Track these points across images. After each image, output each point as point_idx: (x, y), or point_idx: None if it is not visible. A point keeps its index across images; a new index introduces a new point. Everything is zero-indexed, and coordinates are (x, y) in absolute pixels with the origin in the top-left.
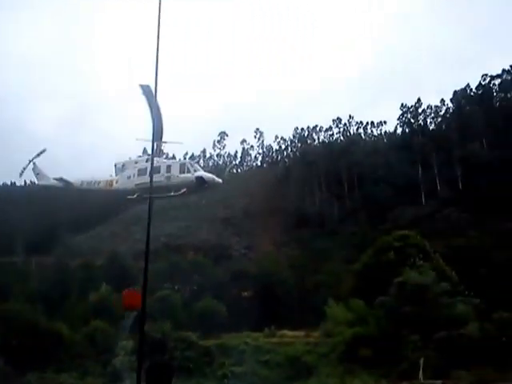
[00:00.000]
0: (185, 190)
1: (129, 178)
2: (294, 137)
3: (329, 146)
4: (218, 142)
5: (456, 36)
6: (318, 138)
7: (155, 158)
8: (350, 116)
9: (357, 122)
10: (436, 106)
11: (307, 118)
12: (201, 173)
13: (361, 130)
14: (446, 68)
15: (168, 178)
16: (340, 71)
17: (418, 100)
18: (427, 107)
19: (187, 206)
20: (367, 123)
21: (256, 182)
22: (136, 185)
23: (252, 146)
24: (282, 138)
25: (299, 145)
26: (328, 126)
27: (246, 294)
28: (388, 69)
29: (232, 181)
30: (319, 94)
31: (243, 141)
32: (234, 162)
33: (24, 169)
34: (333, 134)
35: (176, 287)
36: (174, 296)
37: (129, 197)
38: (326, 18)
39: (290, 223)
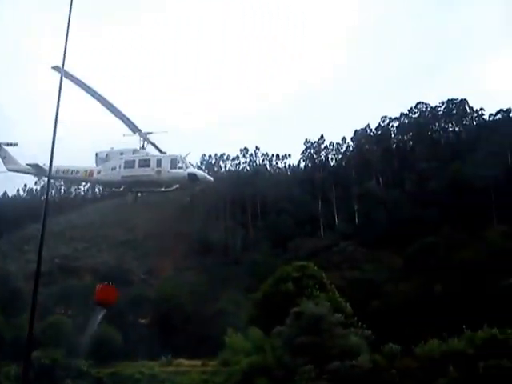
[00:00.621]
0: (177, 185)
1: (113, 169)
2: (201, 163)
3: (235, 175)
4: None
5: (359, 78)
6: (225, 167)
7: (144, 151)
8: (256, 147)
9: (263, 154)
10: (338, 144)
11: (215, 145)
12: (193, 169)
13: (266, 162)
14: (349, 107)
15: (158, 172)
16: (249, 104)
17: (321, 136)
18: (329, 144)
19: (86, 226)
20: (272, 155)
21: (161, 206)
22: (122, 177)
23: None
24: (189, 162)
25: (206, 171)
26: (235, 155)
27: (143, 320)
28: (295, 105)
29: (136, 203)
30: (228, 123)
31: None
32: None
33: None
34: (239, 163)
35: (69, 312)
36: (66, 321)
37: (114, 189)
38: (236, 57)
39: (194, 249)
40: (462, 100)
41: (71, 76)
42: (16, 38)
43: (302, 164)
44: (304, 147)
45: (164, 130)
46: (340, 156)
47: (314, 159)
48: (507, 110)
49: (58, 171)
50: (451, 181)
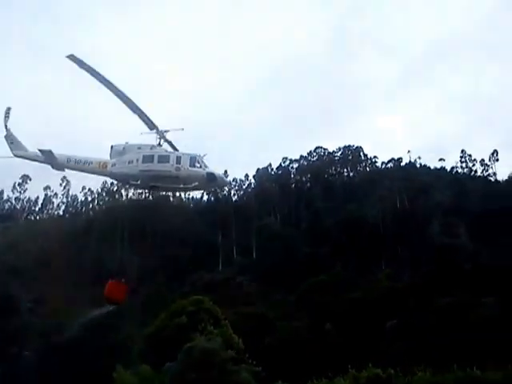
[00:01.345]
0: (197, 183)
1: (130, 162)
2: (101, 190)
3: (136, 203)
4: (19, 184)
5: (262, 120)
6: (127, 195)
7: (163, 147)
8: None
9: None
10: (241, 180)
11: None
12: (212, 169)
13: (170, 193)
14: (253, 147)
15: (177, 168)
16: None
17: (225, 172)
18: (233, 180)
19: None
20: None
21: (55, 232)
22: (140, 171)
23: (56, 194)
24: (89, 189)
25: (106, 198)
26: None
27: (27, 353)
28: (199, 138)
29: (28, 227)
30: None
31: (47, 187)
32: (33, 208)
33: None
34: (142, 191)
35: None
36: None
37: (132, 182)
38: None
39: (86, 278)
40: (357, 147)
41: (87, 66)
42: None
43: (205, 197)
44: None
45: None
46: (242, 192)
47: (217, 193)
48: (398, 159)
49: (69, 160)
50: (345, 221)
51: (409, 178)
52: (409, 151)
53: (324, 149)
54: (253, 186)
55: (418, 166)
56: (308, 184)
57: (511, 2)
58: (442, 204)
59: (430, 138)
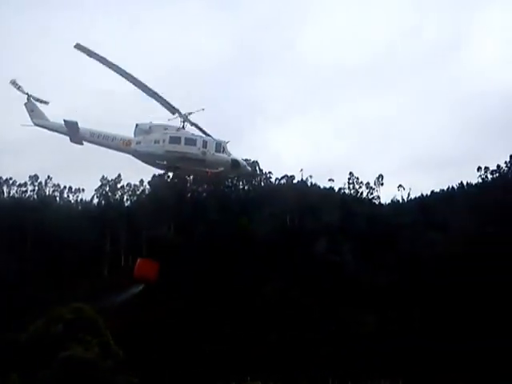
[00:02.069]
0: (222, 168)
1: (157, 142)
2: None
3: (20, 203)
4: None
5: None
6: (9, 192)
7: (190, 131)
8: (48, 176)
9: (54, 184)
10: (135, 185)
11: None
12: (236, 156)
13: (57, 193)
14: None
15: (203, 153)
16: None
17: (119, 176)
18: (127, 184)
19: None
20: (64, 187)
21: None
22: (167, 151)
23: None
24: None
25: None
26: (23, 182)
27: None
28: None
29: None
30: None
31: None
32: None
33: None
34: (27, 190)
35: None
36: None
37: (158, 161)
38: None
39: None
40: (253, 161)
41: (95, 54)
42: None
43: (96, 200)
44: (99, 183)
45: None
46: (135, 198)
47: (109, 197)
48: (291, 176)
49: (92, 134)
50: (238, 233)
51: (300, 196)
52: (301, 170)
53: None
54: (147, 192)
55: (309, 184)
56: (204, 194)
57: (405, 37)
58: (330, 223)
59: (323, 158)
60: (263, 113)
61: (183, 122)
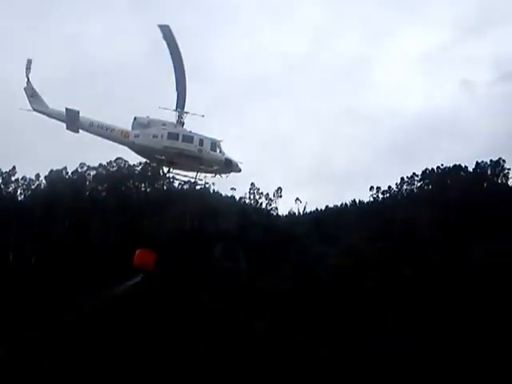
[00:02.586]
0: (217, 167)
1: (155, 137)
2: None
3: None
4: None
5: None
6: None
7: (186, 128)
8: None
9: None
10: (30, 179)
11: None
12: (229, 156)
13: None
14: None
15: (200, 150)
16: None
17: (14, 168)
18: (21, 178)
19: None
20: None
21: None
22: (165, 147)
23: None
24: None
25: None
26: None
27: None
28: None
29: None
30: None
31: None
32: None
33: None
34: None
35: None
36: None
37: (156, 156)
38: None
39: None
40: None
41: (172, 39)
42: None
43: None
44: None
45: None
46: (30, 192)
47: (1, 190)
48: (194, 182)
49: (91, 124)
50: (139, 235)
51: (201, 202)
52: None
53: (125, 161)
54: (43, 187)
55: (212, 191)
56: (104, 193)
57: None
58: (228, 230)
59: None
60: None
61: (179, 117)
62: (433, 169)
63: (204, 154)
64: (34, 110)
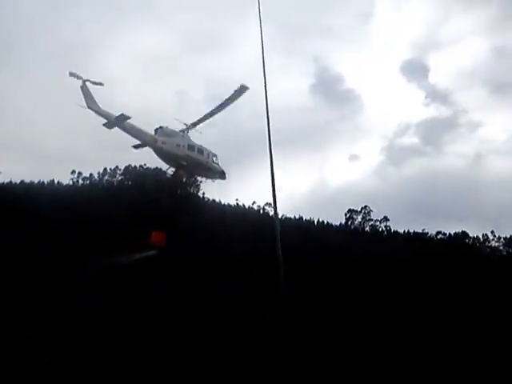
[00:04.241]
0: (217, 176)
1: (178, 146)
2: None
3: None
4: None
5: None
6: None
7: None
8: None
9: None
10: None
11: None
12: (222, 167)
13: None
14: None
15: (207, 162)
16: None
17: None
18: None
19: None
20: None
21: None
22: (186, 155)
23: None
24: None
25: None
26: None
27: None
28: None
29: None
30: None
31: None
32: None
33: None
34: None
35: None
36: None
37: (181, 162)
38: None
39: None
40: None
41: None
42: None
43: None
44: None
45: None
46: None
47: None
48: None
49: (132, 127)
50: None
51: None
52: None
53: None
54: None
55: None
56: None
57: None
58: None
59: None
60: None
61: (187, 130)
62: (135, 166)
63: (210, 165)
64: (89, 108)
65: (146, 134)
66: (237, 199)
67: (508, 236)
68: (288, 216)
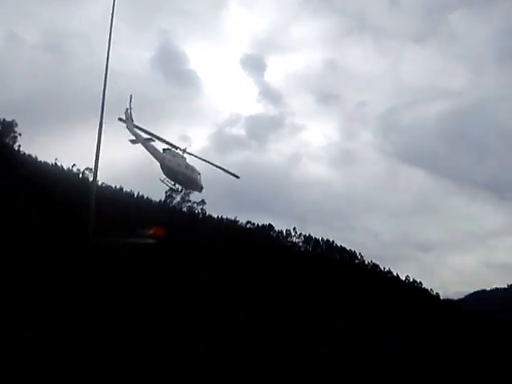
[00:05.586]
0: (199, 190)
1: (179, 165)
2: None
3: None
4: None
5: None
6: None
7: (187, 160)
8: None
9: None
10: None
11: None
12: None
13: None
14: None
15: (196, 179)
16: None
17: None
18: None
19: None
20: None
21: None
22: (184, 173)
23: None
24: None
25: None
26: None
27: None
28: None
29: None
30: None
31: None
32: None
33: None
34: None
35: None
36: None
37: (178, 177)
38: None
39: None
40: None
41: None
42: None
43: None
44: None
45: None
46: None
47: None
48: None
49: (150, 147)
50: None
51: None
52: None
53: None
54: None
55: None
56: None
57: None
58: None
59: None
60: None
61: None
62: None
63: (197, 181)
64: (127, 128)
65: (159, 152)
66: (56, 158)
67: (307, 234)
68: (108, 184)
